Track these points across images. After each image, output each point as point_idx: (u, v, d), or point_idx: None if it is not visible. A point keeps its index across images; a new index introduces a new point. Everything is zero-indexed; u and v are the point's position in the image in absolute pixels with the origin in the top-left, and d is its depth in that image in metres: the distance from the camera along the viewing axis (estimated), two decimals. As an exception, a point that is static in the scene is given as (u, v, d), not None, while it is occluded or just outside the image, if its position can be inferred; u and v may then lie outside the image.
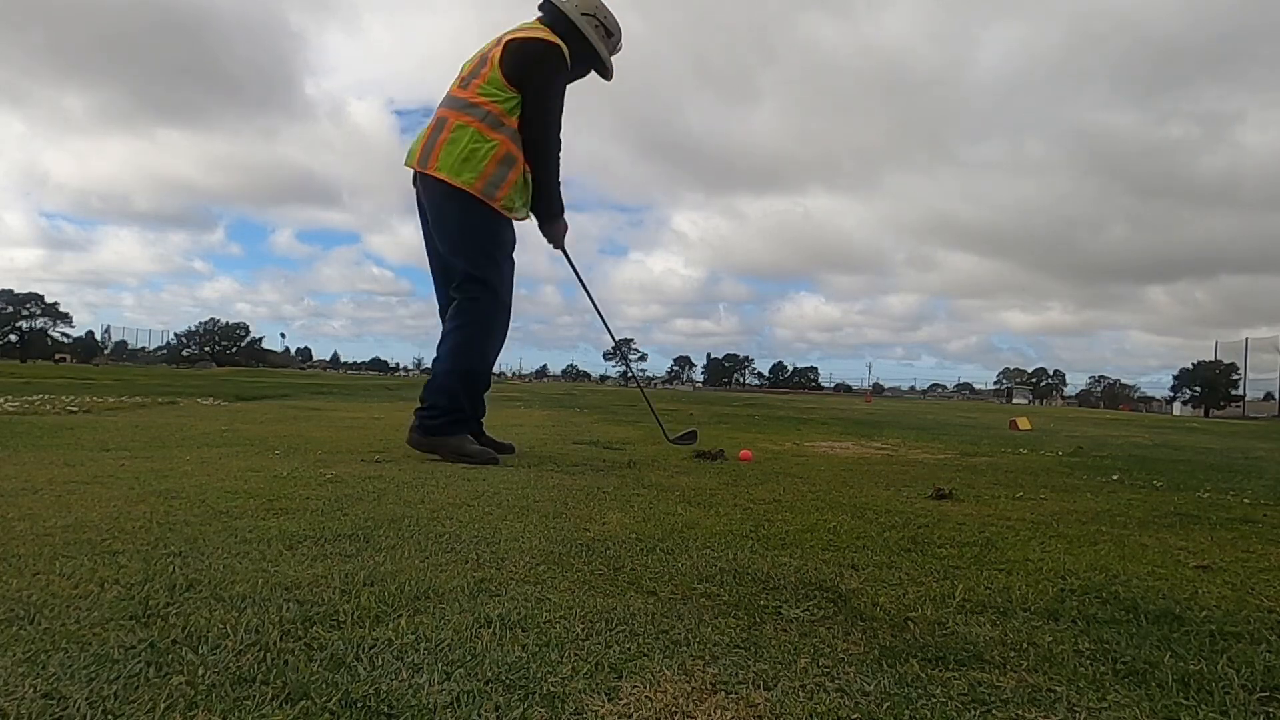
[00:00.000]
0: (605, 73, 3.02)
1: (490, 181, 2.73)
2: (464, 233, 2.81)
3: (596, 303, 3.41)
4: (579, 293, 3.39)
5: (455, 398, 2.76)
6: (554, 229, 3.03)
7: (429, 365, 2.97)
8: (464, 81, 2.82)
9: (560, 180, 2.92)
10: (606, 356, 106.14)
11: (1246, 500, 2.46)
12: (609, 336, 3.53)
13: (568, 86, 2.99)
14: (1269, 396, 47.66)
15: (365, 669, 0.82)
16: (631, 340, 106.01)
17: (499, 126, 2.74)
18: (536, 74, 2.76)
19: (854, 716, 0.77)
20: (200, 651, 0.85)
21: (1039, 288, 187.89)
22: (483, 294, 2.80)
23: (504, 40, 2.81)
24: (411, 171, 2.90)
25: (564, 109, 2.89)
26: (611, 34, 2.96)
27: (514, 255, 2.99)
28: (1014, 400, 77.42)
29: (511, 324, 2.96)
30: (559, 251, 3.12)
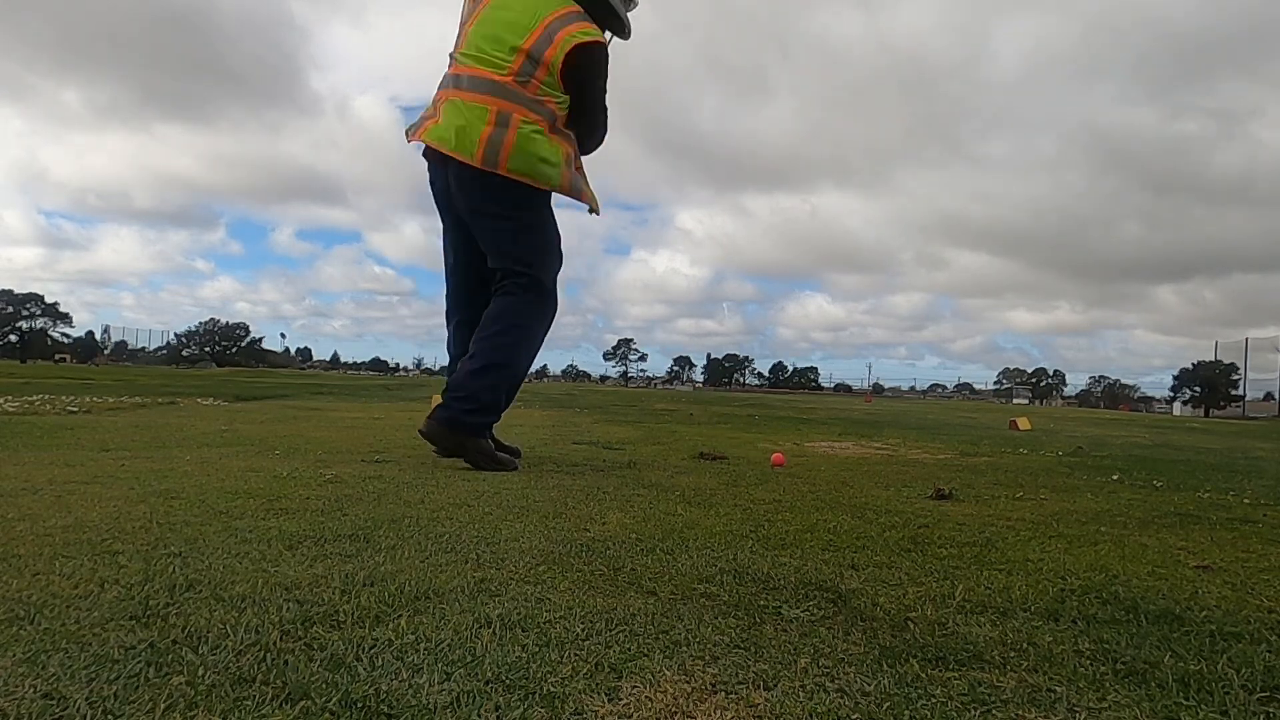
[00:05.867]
0: (624, 32, 2.87)
1: (573, 184, 2.73)
2: (533, 231, 2.75)
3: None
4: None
5: (498, 393, 2.61)
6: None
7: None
8: (519, 75, 2.58)
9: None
10: (606, 356, 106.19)
11: (1246, 500, 2.46)
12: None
13: None
14: (1269, 396, 47.64)
15: (365, 669, 0.82)
16: (631, 340, 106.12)
17: (557, 129, 2.70)
18: (598, 80, 2.73)
19: (854, 716, 0.77)
20: (200, 651, 0.85)
21: (1047, 287, 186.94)
22: (540, 295, 2.73)
23: (559, 40, 2.59)
24: (421, 148, 2.73)
25: None
26: None
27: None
28: (1014, 400, 77.42)
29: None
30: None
